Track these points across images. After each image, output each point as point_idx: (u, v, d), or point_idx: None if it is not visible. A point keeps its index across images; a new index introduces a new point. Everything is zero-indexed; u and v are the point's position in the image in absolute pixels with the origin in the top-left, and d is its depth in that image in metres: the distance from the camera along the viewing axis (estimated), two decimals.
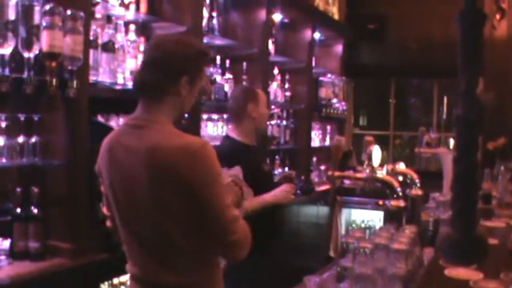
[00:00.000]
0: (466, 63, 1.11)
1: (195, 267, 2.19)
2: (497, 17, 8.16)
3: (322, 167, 7.18)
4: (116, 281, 3.47)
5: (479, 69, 1.17)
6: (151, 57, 2.20)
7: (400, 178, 2.97)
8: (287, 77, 6.33)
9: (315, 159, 6.99)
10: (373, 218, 6.64)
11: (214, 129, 4.84)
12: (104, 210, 2.41)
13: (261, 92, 3.87)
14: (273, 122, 5.87)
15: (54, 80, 2.94)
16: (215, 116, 4.91)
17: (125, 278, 3.51)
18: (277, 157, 5.99)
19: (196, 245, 2.16)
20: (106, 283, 3.38)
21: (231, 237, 2.13)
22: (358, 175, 2.85)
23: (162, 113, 2.20)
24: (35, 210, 3.04)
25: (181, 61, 2.19)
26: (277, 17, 5.78)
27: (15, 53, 2.86)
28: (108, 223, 2.40)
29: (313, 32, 6.56)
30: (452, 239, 1.25)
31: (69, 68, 3.00)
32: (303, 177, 6.03)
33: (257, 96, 3.73)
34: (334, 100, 7.29)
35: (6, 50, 2.80)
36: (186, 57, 2.21)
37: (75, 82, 3.02)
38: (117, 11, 3.70)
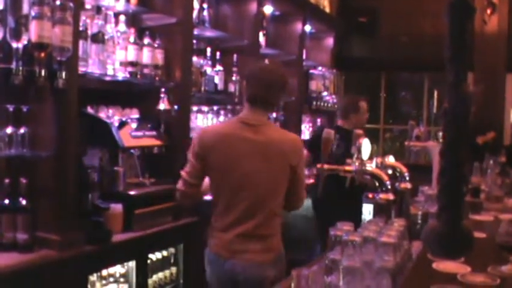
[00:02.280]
0: (453, 56, 1.11)
1: (276, 223, 3.19)
2: (488, 11, 8.17)
3: None
4: (104, 272, 3.46)
5: (466, 62, 1.17)
6: (270, 81, 3.15)
7: (390, 171, 2.96)
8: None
9: (305, 151, 6.97)
10: (363, 211, 6.63)
11: (204, 121, 4.83)
12: (189, 178, 3.12)
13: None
14: None
15: (43, 71, 2.92)
16: (205, 108, 4.89)
17: (114, 269, 3.51)
18: None
19: (281, 207, 3.21)
20: (95, 275, 3.37)
21: (305, 197, 3.32)
22: (347, 168, 2.84)
23: (266, 117, 3.23)
24: (23, 202, 3.03)
25: (287, 87, 3.34)
26: (268, 9, 5.76)
27: (4, 43, 2.84)
28: (187, 188, 3.15)
29: (304, 24, 6.55)
30: (437, 232, 1.25)
31: (58, 58, 2.98)
32: None
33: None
34: (325, 93, 7.28)
35: None
36: (288, 84, 3.40)
37: (64, 73, 3.00)
38: (107, 1, 3.68)
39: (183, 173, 3.15)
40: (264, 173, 3.05)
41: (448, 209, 1.21)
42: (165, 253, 3.98)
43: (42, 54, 2.90)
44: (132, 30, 3.92)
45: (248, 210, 3.05)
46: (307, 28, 6.77)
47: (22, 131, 3.04)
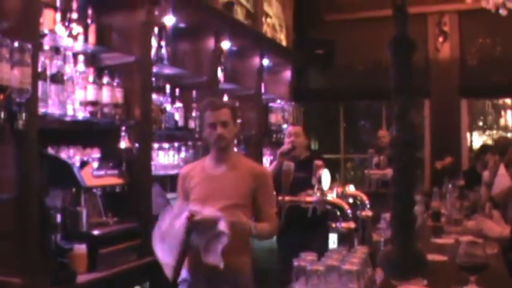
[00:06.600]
0: (398, 88, 1.16)
1: None
2: (440, 39, 8.40)
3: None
4: None
5: (410, 93, 1.22)
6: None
7: (350, 200, 3.01)
8: (237, 104, 6.36)
9: None
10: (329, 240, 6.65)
11: (165, 158, 4.83)
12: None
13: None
14: None
15: (2, 113, 2.90)
16: (166, 145, 4.90)
17: None
18: None
19: None
20: None
21: None
22: (308, 199, 2.88)
23: None
24: None
25: None
26: (225, 45, 5.82)
27: None
28: None
29: (261, 58, 6.64)
30: (391, 256, 1.29)
31: (18, 100, 2.96)
32: None
33: None
34: (285, 125, 7.34)
35: None
36: None
37: (24, 114, 2.98)
38: (65, 42, 3.69)
39: None
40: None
41: (401, 234, 1.25)
42: None
43: (1, 96, 2.88)
44: (91, 69, 3.93)
45: None
46: (265, 62, 6.85)
47: None
